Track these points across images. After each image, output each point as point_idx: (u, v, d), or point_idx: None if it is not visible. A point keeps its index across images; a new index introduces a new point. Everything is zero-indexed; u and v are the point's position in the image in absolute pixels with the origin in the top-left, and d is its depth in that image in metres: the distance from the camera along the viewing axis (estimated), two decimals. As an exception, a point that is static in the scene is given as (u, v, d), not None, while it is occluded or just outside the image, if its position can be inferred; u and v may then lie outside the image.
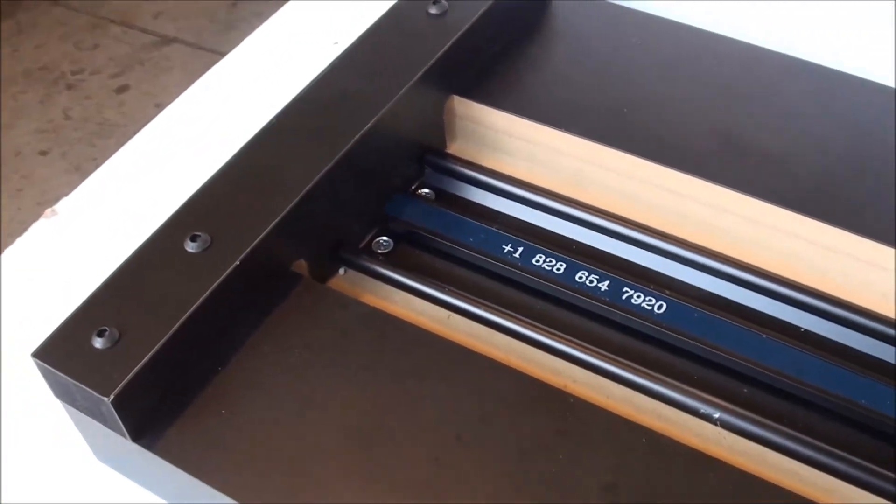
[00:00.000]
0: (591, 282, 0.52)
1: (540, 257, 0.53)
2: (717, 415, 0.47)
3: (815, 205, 0.51)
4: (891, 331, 0.49)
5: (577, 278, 0.52)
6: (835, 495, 0.44)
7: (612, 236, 0.54)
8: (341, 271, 0.54)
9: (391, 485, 0.43)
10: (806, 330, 0.51)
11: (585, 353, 0.49)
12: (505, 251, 0.53)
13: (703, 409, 0.47)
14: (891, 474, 0.44)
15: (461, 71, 0.58)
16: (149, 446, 0.45)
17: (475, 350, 0.48)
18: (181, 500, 0.48)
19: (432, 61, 0.56)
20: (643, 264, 0.54)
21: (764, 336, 0.49)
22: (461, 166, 0.58)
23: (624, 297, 0.51)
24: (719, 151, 0.54)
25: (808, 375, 0.48)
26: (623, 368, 0.48)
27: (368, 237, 0.56)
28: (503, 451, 0.44)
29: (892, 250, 0.49)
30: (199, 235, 0.48)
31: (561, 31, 0.62)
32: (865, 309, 0.50)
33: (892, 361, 0.49)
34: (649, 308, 0.51)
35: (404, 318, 0.49)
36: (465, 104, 0.58)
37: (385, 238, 0.55)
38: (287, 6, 0.76)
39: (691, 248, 0.53)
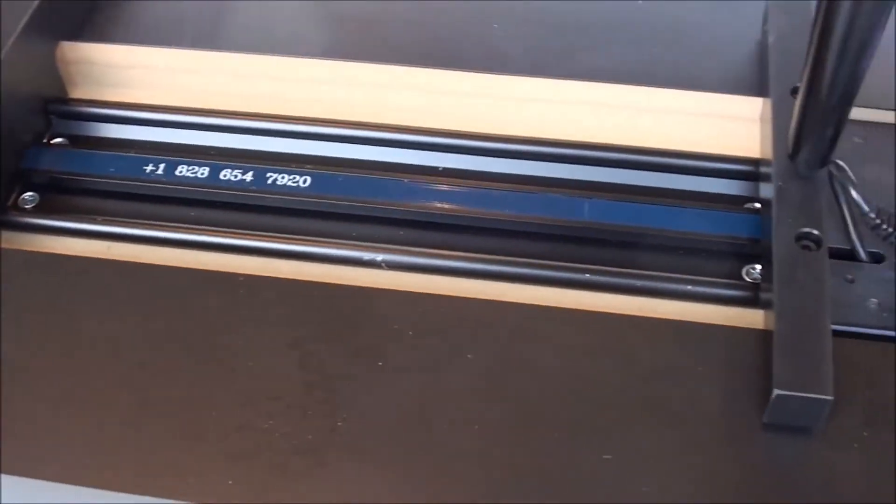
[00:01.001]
0: (236, 176, 0.54)
1: (182, 168, 0.54)
2: (380, 258, 0.50)
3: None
4: (500, 145, 0.55)
5: (221, 177, 0.54)
6: (491, 293, 0.49)
7: (243, 132, 0.56)
8: (-8, 235, 0.54)
9: (98, 393, 0.44)
10: (444, 167, 0.55)
11: (246, 239, 0.51)
12: (147, 171, 0.54)
13: (367, 256, 0.50)
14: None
15: (63, 17, 0.58)
16: None
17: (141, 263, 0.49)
18: None
19: (30, 13, 0.56)
20: (280, 150, 0.56)
21: (406, 180, 0.53)
22: (84, 107, 0.58)
23: (269, 182, 0.54)
24: (309, 29, 0.59)
25: (450, 202, 0.52)
26: (284, 243, 0.51)
27: (14, 197, 0.55)
28: (189, 338, 0.46)
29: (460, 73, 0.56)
30: None
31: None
32: (472, 133, 0.55)
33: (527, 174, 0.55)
34: (295, 185, 0.53)
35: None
36: (74, 48, 0.58)
37: (29, 193, 0.55)
38: None
39: (315, 123, 0.56)
